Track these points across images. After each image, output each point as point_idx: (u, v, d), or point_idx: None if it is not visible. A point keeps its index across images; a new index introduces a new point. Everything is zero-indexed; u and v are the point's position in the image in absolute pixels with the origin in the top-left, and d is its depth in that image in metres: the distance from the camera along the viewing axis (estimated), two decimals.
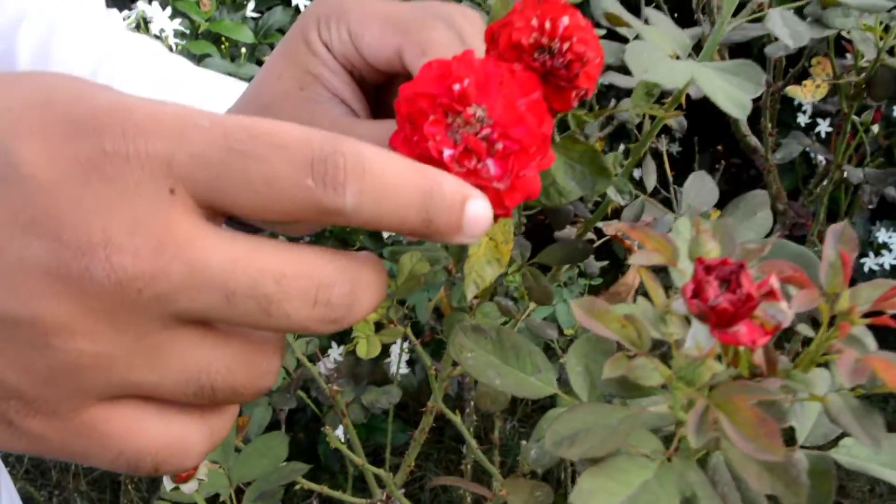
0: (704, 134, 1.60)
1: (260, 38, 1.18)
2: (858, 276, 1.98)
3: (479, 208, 0.23)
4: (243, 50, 1.07)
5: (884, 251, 1.90)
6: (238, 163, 0.20)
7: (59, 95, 0.20)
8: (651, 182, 0.46)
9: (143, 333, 0.20)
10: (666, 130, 2.25)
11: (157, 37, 0.89)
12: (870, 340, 0.30)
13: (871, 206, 0.77)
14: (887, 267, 1.89)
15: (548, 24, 0.27)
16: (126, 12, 0.97)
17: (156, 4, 0.97)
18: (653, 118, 0.44)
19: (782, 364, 0.26)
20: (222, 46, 1.08)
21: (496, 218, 0.28)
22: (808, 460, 0.30)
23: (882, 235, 1.91)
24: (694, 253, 0.25)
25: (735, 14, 0.44)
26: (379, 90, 0.34)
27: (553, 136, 0.35)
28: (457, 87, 0.25)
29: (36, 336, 0.19)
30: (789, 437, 0.33)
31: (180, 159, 0.20)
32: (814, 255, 0.39)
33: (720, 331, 0.22)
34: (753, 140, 0.87)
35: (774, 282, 0.22)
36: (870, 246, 1.95)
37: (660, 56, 0.33)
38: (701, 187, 0.45)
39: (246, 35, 1.10)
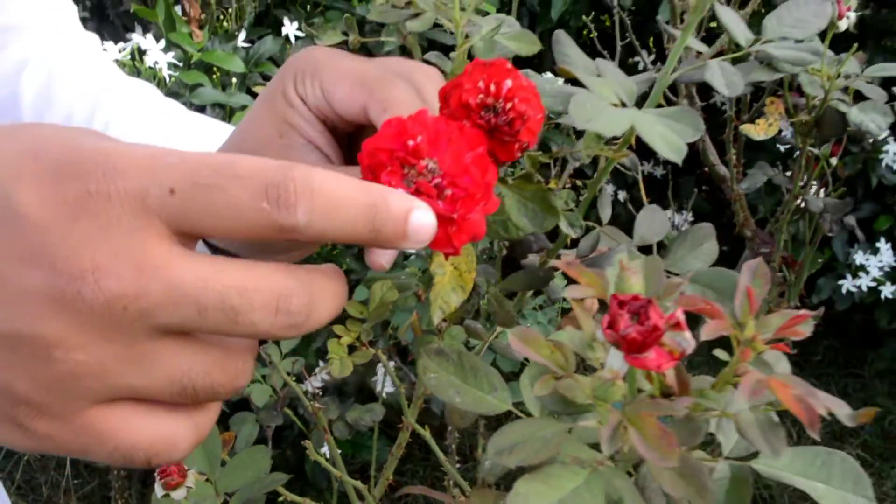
0: (689, 157, 1.64)
1: (251, 67, 1.22)
2: (837, 298, 2.02)
3: (422, 217, 0.26)
4: (234, 80, 1.10)
5: (861, 273, 1.94)
6: (203, 194, 0.23)
7: (50, 145, 0.24)
8: (606, 215, 0.49)
9: (130, 344, 0.23)
10: (652, 154, 2.28)
11: (151, 69, 0.93)
12: (782, 364, 0.34)
13: (830, 234, 0.81)
14: (864, 289, 1.93)
15: (493, 87, 0.31)
16: (122, 44, 1.01)
17: (150, 37, 1.01)
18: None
19: (698, 384, 0.30)
20: (214, 76, 1.12)
21: (447, 256, 0.32)
22: (729, 469, 0.34)
23: (859, 258, 1.95)
24: (619, 288, 0.29)
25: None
26: (350, 137, 0.38)
27: (506, 179, 0.39)
28: (411, 142, 0.29)
29: (39, 350, 0.23)
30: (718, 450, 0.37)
31: (154, 194, 0.23)
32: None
33: (631, 357, 0.25)
34: (722, 169, 0.91)
35: (680, 314, 0.26)
36: (848, 268, 1.99)
37: (602, 106, 0.37)
38: (652, 220, 0.49)
39: (237, 65, 1.14)
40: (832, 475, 0.34)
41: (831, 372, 2.26)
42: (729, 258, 1.32)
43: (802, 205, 0.80)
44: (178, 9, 1.23)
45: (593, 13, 1.59)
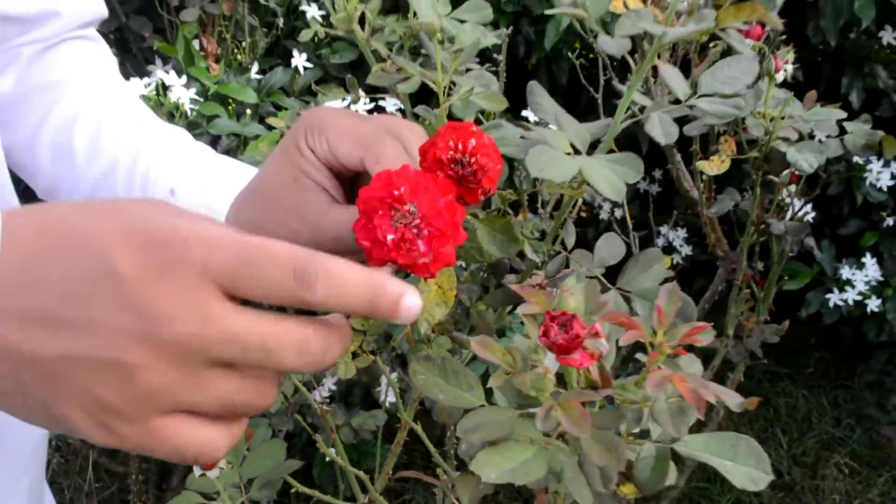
0: None
1: (262, 97, 1.31)
2: (825, 311, 2.09)
3: (411, 301, 0.34)
4: (248, 111, 1.19)
5: (847, 287, 2.01)
6: (246, 269, 0.32)
7: (138, 221, 0.32)
8: (570, 242, 0.57)
9: (191, 372, 0.32)
10: (648, 173, 2.34)
11: (174, 103, 1.02)
12: (695, 366, 0.42)
13: (791, 254, 0.89)
14: (851, 302, 2.00)
15: (460, 145, 0.39)
16: (146, 80, 1.10)
17: (172, 73, 1.10)
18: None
19: (621, 380, 0.38)
20: (230, 107, 1.21)
21: (426, 280, 0.41)
22: (655, 450, 0.42)
23: (846, 273, 2.02)
24: (559, 306, 0.37)
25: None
26: (351, 180, 0.46)
27: (478, 214, 0.47)
28: (396, 192, 0.37)
29: (127, 373, 0.31)
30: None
31: (213, 265, 0.32)
32: (690, 299, 0.51)
33: (561, 357, 0.34)
34: (695, 193, 1.00)
35: (600, 326, 0.34)
36: (835, 283, 2.06)
37: (555, 156, 0.46)
38: (610, 245, 0.57)
39: (250, 96, 1.23)
40: (738, 454, 0.42)
41: (822, 384, 2.33)
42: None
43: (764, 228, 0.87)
44: (195, 43, 1.32)
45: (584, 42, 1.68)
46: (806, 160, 0.62)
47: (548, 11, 0.47)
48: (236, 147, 1.21)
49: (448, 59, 0.51)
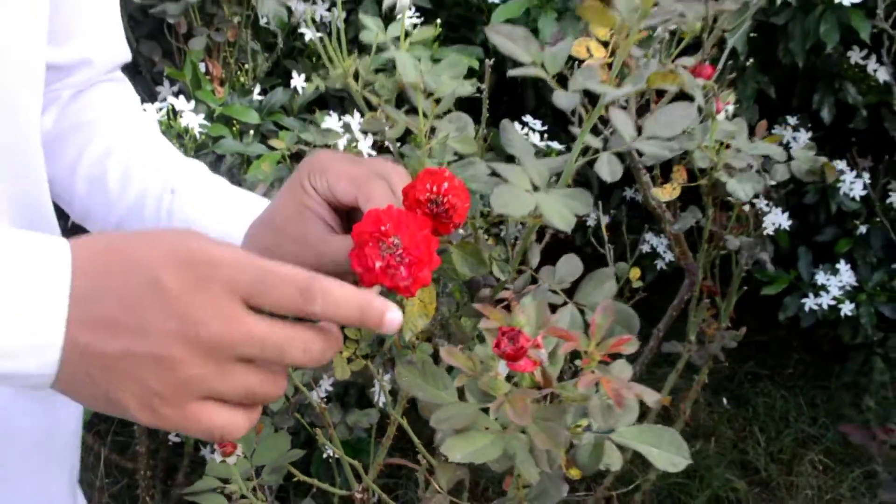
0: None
1: (264, 117, 1.40)
2: (802, 315, 2.18)
3: (393, 316, 0.44)
4: (251, 131, 1.28)
5: (822, 293, 2.10)
6: (263, 287, 0.41)
7: (179, 245, 0.42)
8: (534, 262, 0.67)
9: (220, 365, 0.41)
10: (631, 186, 2.42)
11: (183, 128, 1.11)
12: (626, 370, 0.51)
13: (747, 267, 0.98)
14: (825, 307, 2.09)
15: (435, 188, 0.48)
16: (158, 104, 1.19)
17: (182, 98, 1.19)
18: None
19: (566, 382, 0.47)
20: (234, 127, 1.30)
21: (408, 298, 0.49)
22: (593, 438, 0.51)
23: (821, 278, 2.11)
24: (512, 322, 0.46)
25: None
26: (347, 213, 0.55)
27: (452, 241, 0.56)
28: (383, 227, 0.46)
29: (170, 364, 0.40)
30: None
31: (237, 283, 0.41)
32: (633, 313, 0.60)
33: (510, 364, 0.43)
34: (660, 211, 1.09)
35: (540, 339, 0.43)
36: (812, 287, 2.16)
37: (515, 193, 0.55)
38: (569, 265, 0.66)
39: (252, 117, 1.32)
40: (662, 443, 0.51)
41: (801, 384, 2.42)
42: None
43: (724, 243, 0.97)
44: (202, 65, 1.41)
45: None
46: (744, 190, 0.71)
47: (510, 73, 0.55)
48: (239, 165, 1.30)
49: (429, 106, 0.60)
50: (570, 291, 0.66)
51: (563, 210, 0.56)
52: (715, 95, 0.72)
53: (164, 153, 0.68)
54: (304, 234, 0.53)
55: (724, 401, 2.26)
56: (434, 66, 0.61)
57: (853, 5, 1.51)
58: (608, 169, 0.60)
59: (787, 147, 2.13)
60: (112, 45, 0.72)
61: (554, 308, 0.58)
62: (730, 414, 2.26)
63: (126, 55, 0.74)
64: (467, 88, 0.64)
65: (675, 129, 0.63)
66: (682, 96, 0.68)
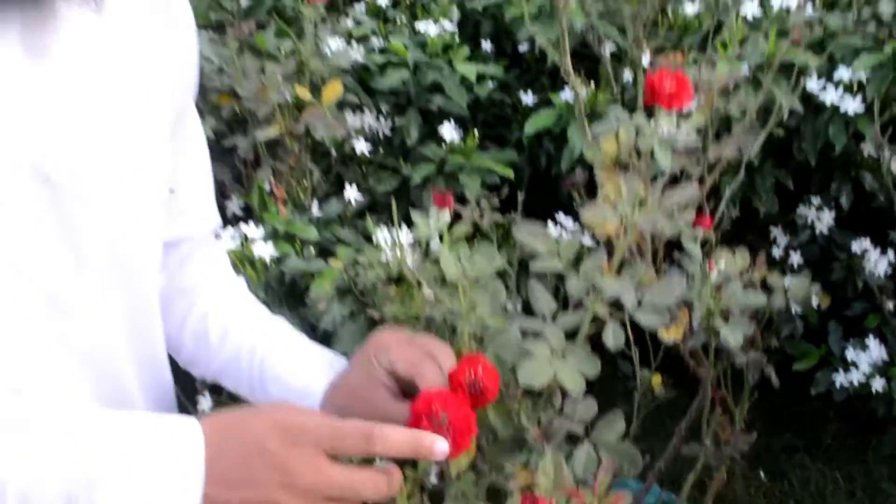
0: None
1: (321, 230, 1.56)
2: (833, 390, 2.23)
3: (441, 447, 0.59)
4: (312, 248, 1.45)
5: (852, 368, 2.16)
6: (339, 442, 0.57)
7: (277, 416, 0.58)
8: (557, 404, 0.80)
9: (313, 496, 0.57)
10: None
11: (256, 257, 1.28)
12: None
13: (753, 384, 1.09)
14: (856, 383, 2.15)
15: (472, 373, 0.63)
16: (231, 230, 1.37)
17: (252, 225, 1.37)
18: None
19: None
20: (296, 244, 1.47)
21: (450, 458, 0.64)
22: None
23: (851, 354, 2.17)
24: (535, 483, 0.60)
25: None
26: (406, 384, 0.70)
27: (490, 405, 0.70)
28: (434, 407, 0.61)
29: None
30: None
31: (321, 441, 0.57)
32: (636, 451, 0.73)
33: None
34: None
35: (554, 501, 0.57)
36: (842, 362, 2.22)
37: (537, 365, 0.68)
38: (586, 405, 0.79)
39: (312, 234, 1.48)
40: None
41: (840, 456, 2.45)
42: None
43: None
44: (266, 186, 1.59)
45: None
46: (734, 337, 0.84)
47: (533, 269, 0.70)
48: (300, 275, 1.46)
49: (467, 286, 0.75)
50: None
51: (575, 375, 0.70)
52: (708, 258, 0.85)
53: (254, 314, 0.84)
54: (372, 398, 0.68)
55: (761, 474, 2.32)
56: (472, 252, 0.75)
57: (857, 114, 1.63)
58: (612, 336, 0.74)
59: (811, 228, 2.23)
60: (210, 218, 0.88)
61: (573, 439, 0.71)
62: (766, 488, 2.31)
63: (217, 224, 0.91)
64: (497, 265, 0.78)
65: (669, 298, 0.76)
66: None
